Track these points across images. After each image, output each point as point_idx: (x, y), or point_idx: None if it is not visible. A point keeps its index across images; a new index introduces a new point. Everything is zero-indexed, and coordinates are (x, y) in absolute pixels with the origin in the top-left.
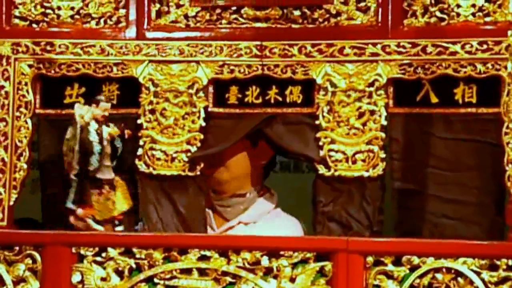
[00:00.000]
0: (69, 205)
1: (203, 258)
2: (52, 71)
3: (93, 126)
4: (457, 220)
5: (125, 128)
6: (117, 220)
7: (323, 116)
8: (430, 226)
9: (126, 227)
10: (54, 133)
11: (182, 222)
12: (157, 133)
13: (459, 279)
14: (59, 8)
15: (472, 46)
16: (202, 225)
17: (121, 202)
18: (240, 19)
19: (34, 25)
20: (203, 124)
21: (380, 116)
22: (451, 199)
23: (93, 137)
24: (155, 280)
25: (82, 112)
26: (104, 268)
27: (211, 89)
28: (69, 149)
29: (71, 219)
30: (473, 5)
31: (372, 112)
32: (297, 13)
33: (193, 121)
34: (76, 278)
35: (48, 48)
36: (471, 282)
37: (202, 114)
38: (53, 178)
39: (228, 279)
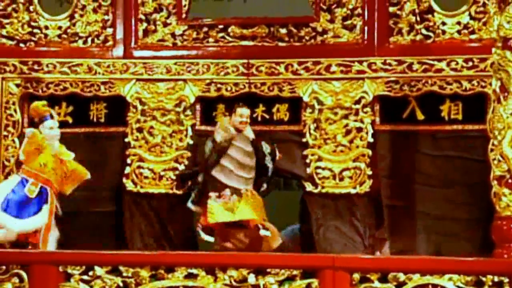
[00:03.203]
0: (189, 204)
1: (190, 276)
2: (40, 90)
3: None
4: (447, 236)
5: (277, 150)
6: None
7: (310, 134)
8: (421, 243)
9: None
10: None
11: (169, 240)
12: (145, 151)
13: None
14: (46, 27)
15: (457, 63)
16: (189, 243)
17: (246, 211)
18: (227, 37)
19: (22, 45)
20: (191, 142)
21: (367, 133)
22: (440, 216)
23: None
24: None
25: (226, 121)
26: (91, 287)
27: (198, 107)
28: (208, 152)
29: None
30: (458, 23)
31: (359, 129)
32: (283, 31)
33: (180, 139)
34: None
35: (36, 67)
36: None
37: (190, 132)
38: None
39: None
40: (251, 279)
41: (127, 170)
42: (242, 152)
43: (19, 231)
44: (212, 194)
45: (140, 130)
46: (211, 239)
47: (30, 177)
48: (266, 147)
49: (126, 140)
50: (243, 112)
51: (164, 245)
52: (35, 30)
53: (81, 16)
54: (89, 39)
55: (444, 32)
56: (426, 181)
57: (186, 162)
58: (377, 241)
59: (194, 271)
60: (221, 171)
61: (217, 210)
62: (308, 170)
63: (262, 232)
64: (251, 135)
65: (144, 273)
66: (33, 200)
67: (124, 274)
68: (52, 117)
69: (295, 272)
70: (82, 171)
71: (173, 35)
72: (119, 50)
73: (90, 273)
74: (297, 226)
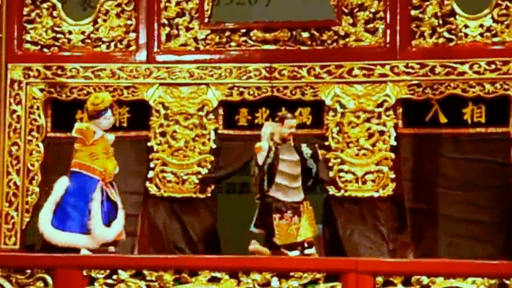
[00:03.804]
0: (252, 228)
1: (213, 279)
2: (63, 95)
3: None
4: (470, 239)
5: (319, 148)
6: (307, 243)
7: (333, 137)
8: (444, 246)
9: (317, 249)
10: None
11: (192, 244)
12: (168, 156)
13: None
14: (70, 32)
15: (480, 66)
16: (212, 247)
17: (306, 229)
18: (249, 41)
19: (45, 50)
20: (214, 146)
21: (389, 136)
22: (463, 219)
23: (286, 157)
24: None
25: (272, 129)
26: None
27: (221, 111)
28: (257, 171)
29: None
30: (481, 26)
31: (382, 133)
32: (305, 35)
33: (203, 143)
34: None
35: (59, 72)
36: None
37: (212, 136)
38: None
39: None
40: (275, 282)
41: (151, 174)
42: (291, 164)
43: (117, 235)
44: (275, 216)
45: (163, 134)
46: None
47: (82, 169)
48: (306, 150)
49: (149, 144)
50: (292, 123)
51: (187, 249)
52: (59, 35)
53: (104, 21)
54: (112, 44)
55: (466, 35)
56: (448, 184)
57: (209, 166)
58: (400, 245)
59: (218, 274)
60: (278, 189)
61: (282, 232)
62: (331, 174)
63: (309, 251)
64: (292, 142)
65: (168, 277)
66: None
67: (148, 278)
68: (112, 106)
69: (318, 276)
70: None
71: (195, 39)
72: (142, 55)
73: (114, 277)
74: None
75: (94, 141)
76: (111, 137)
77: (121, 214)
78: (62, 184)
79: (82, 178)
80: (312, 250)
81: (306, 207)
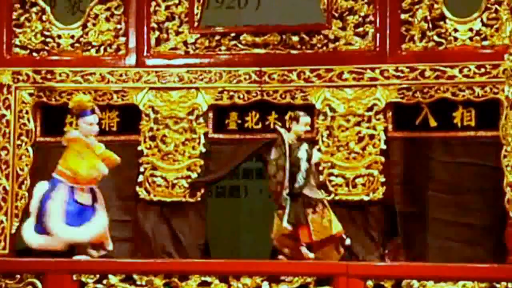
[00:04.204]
0: (285, 225)
1: (203, 284)
2: (53, 99)
3: (304, 145)
4: (461, 242)
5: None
6: (343, 235)
7: (323, 141)
8: (434, 249)
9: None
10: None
11: (181, 248)
12: (158, 160)
13: None
14: (59, 36)
15: (470, 69)
16: (201, 251)
17: (336, 222)
18: (239, 45)
19: (35, 54)
20: (203, 150)
21: (379, 140)
22: (453, 222)
23: (302, 155)
24: None
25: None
26: None
27: (210, 115)
28: (278, 168)
29: (277, 241)
30: (471, 29)
31: (372, 137)
32: (295, 38)
33: (193, 147)
34: None
35: (49, 76)
36: None
37: (202, 140)
38: None
39: None
40: (265, 286)
41: (140, 178)
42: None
43: (91, 238)
44: (309, 211)
45: (153, 138)
46: (312, 255)
47: (55, 172)
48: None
49: (139, 148)
50: (307, 120)
51: (176, 254)
52: (48, 39)
53: (94, 25)
54: (102, 48)
55: (456, 38)
56: (439, 188)
57: (199, 170)
58: (390, 248)
59: (208, 279)
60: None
61: (317, 227)
62: (321, 177)
63: (348, 241)
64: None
65: (158, 281)
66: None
67: (138, 283)
68: (93, 112)
69: (308, 280)
70: (115, 158)
71: (185, 43)
72: (131, 59)
73: (104, 281)
74: None
75: (68, 141)
76: (95, 142)
77: (99, 217)
78: (39, 189)
79: (53, 181)
80: (349, 241)
81: (327, 203)
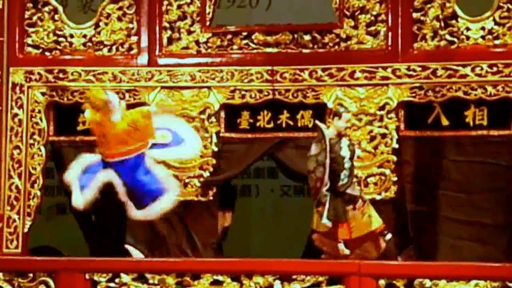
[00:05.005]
0: (325, 221)
1: (215, 283)
2: (65, 99)
3: (345, 142)
4: (473, 241)
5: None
6: (382, 231)
7: None
8: (446, 248)
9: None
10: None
11: (195, 247)
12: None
13: None
14: (71, 36)
15: (482, 68)
16: (214, 250)
17: (376, 217)
18: (251, 44)
19: (47, 53)
20: (215, 149)
21: (391, 139)
22: (465, 221)
23: (345, 153)
24: None
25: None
26: None
27: (222, 114)
28: (318, 164)
29: (316, 239)
30: (483, 28)
31: (384, 136)
32: (307, 37)
33: (205, 146)
34: None
35: (61, 75)
36: None
37: (214, 139)
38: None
39: None
40: (277, 285)
41: None
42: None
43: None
44: (349, 208)
45: None
46: (348, 252)
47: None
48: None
49: None
50: (349, 117)
51: (190, 252)
52: (60, 39)
53: (106, 24)
54: (114, 47)
55: (468, 37)
56: (451, 187)
57: (211, 169)
58: (402, 247)
59: (220, 278)
60: None
61: (357, 224)
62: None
63: (388, 236)
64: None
65: (170, 280)
66: None
67: (150, 281)
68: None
69: (320, 279)
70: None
71: (197, 42)
72: (143, 58)
73: (117, 280)
74: None
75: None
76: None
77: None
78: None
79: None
80: (390, 236)
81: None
